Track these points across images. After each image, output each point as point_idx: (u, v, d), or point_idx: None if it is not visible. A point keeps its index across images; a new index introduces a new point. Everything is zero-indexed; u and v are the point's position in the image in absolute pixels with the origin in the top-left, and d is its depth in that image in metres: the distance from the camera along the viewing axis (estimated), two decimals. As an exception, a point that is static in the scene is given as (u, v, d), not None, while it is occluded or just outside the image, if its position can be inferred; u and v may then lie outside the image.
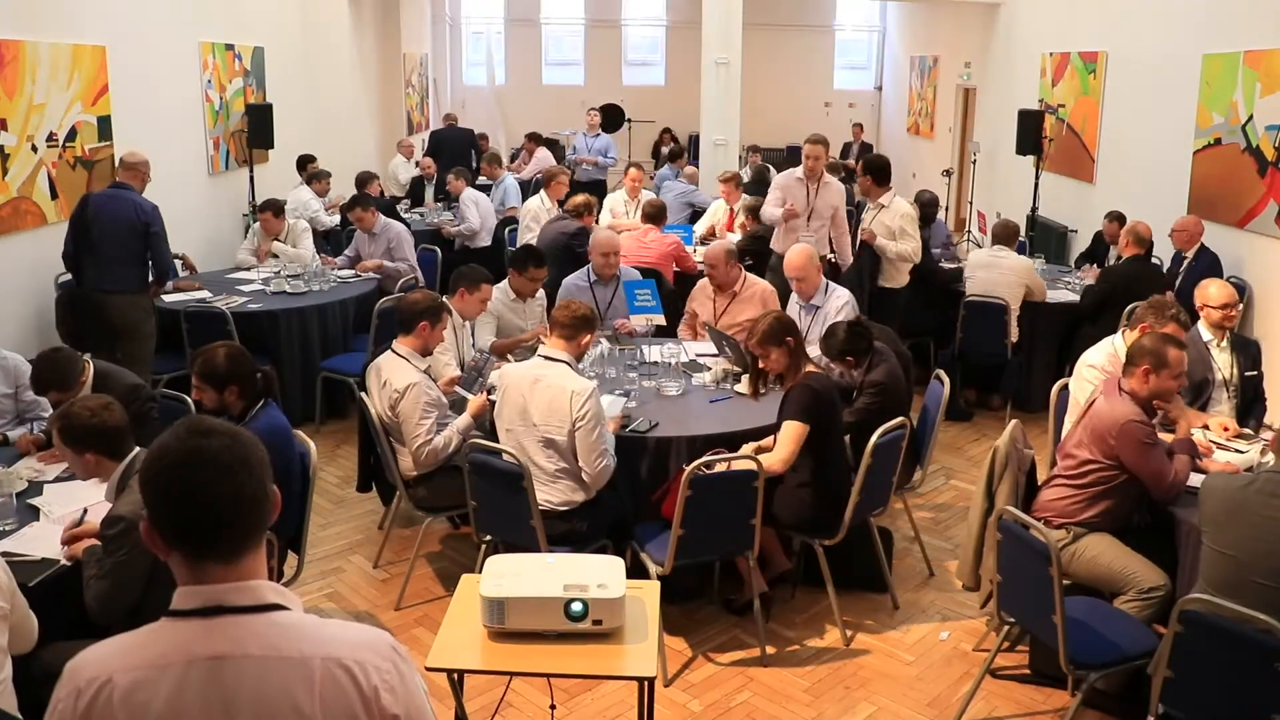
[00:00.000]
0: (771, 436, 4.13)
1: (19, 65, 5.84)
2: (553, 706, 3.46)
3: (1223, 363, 4.59)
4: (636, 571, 3.71)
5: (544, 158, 12.04)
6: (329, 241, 8.76)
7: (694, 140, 14.62)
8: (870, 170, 6.87)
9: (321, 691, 1.45)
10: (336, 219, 9.04)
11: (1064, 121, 9.99)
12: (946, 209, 11.97)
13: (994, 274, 6.63)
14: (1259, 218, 6.73)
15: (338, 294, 6.64)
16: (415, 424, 4.29)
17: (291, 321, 6.25)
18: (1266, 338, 6.16)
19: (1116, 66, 8.96)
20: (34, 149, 6.04)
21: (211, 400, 3.70)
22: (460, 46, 18.90)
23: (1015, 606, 3.51)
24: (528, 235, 7.96)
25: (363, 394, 4.50)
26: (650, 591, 2.92)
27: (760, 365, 4.25)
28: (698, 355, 5.30)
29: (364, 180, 9.03)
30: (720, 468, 3.87)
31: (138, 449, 3.21)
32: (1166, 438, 3.93)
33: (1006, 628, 3.67)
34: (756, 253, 7.41)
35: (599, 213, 8.20)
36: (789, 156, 17.51)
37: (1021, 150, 9.57)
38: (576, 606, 2.67)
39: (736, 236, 8.01)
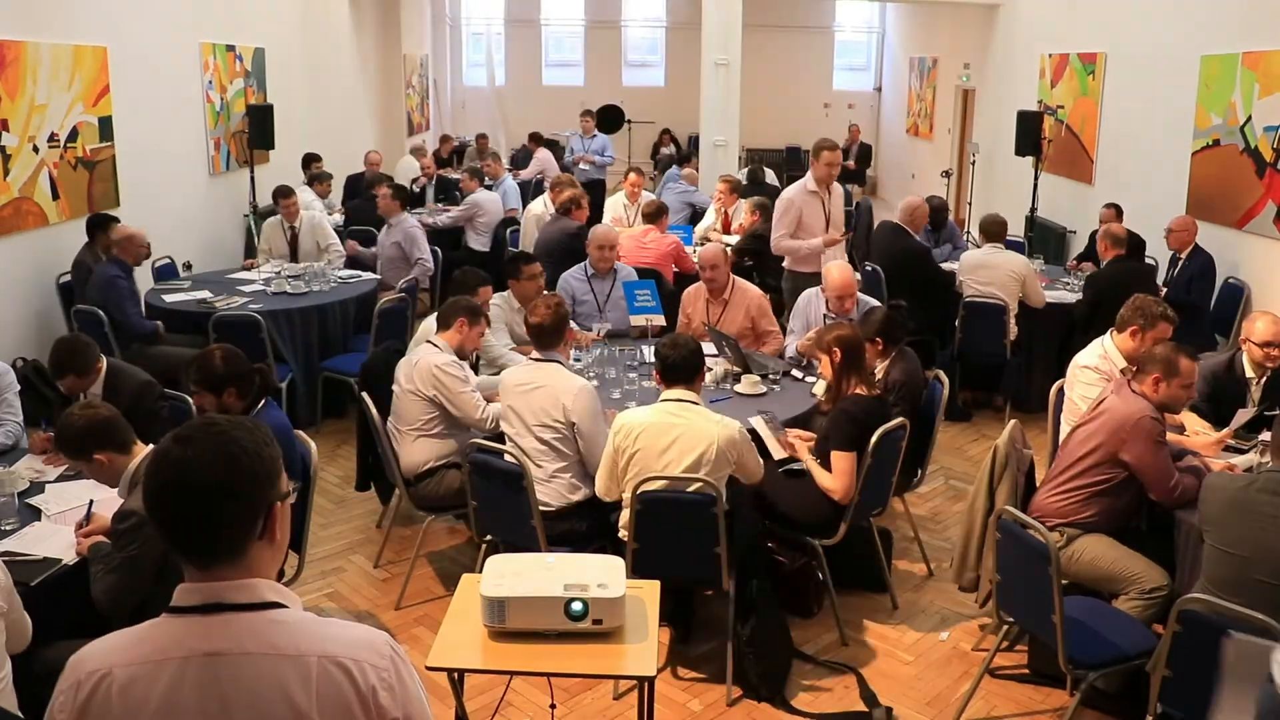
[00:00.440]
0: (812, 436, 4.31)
1: (20, 66, 5.85)
2: (553, 706, 3.46)
3: (1256, 398, 4.43)
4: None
5: (544, 159, 12.06)
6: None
7: (694, 141, 14.64)
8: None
9: (318, 689, 1.46)
10: (340, 218, 9.07)
11: (1063, 122, 10.00)
12: (945, 210, 11.96)
13: (989, 273, 6.59)
14: (1257, 218, 6.74)
15: (338, 294, 6.65)
16: (467, 396, 4.33)
17: (292, 321, 6.26)
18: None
19: (1115, 67, 8.97)
20: (35, 149, 6.05)
21: (210, 403, 3.71)
22: (460, 47, 18.92)
23: (1014, 606, 3.52)
24: (529, 238, 7.98)
25: (363, 394, 4.51)
26: (650, 591, 2.93)
27: (821, 358, 4.33)
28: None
29: (373, 182, 9.12)
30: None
31: (150, 446, 3.22)
32: (1177, 439, 3.95)
33: (1005, 627, 3.68)
34: (757, 253, 7.42)
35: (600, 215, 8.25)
36: (788, 157, 17.55)
37: (1020, 151, 9.58)
38: (577, 606, 2.67)
39: (732, 239, 8.03)
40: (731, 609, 3.80)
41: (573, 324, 5.24)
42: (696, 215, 9.34)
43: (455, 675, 2.87)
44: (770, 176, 11.03)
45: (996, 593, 3.58)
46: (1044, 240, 9.52)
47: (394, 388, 4.49)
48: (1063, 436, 4.17)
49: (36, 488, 3.77)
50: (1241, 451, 4.03)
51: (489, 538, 4.16)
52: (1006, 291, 6.53)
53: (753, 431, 4.14)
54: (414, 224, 7.59)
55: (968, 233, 11.21)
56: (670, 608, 3.88)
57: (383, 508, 5.15)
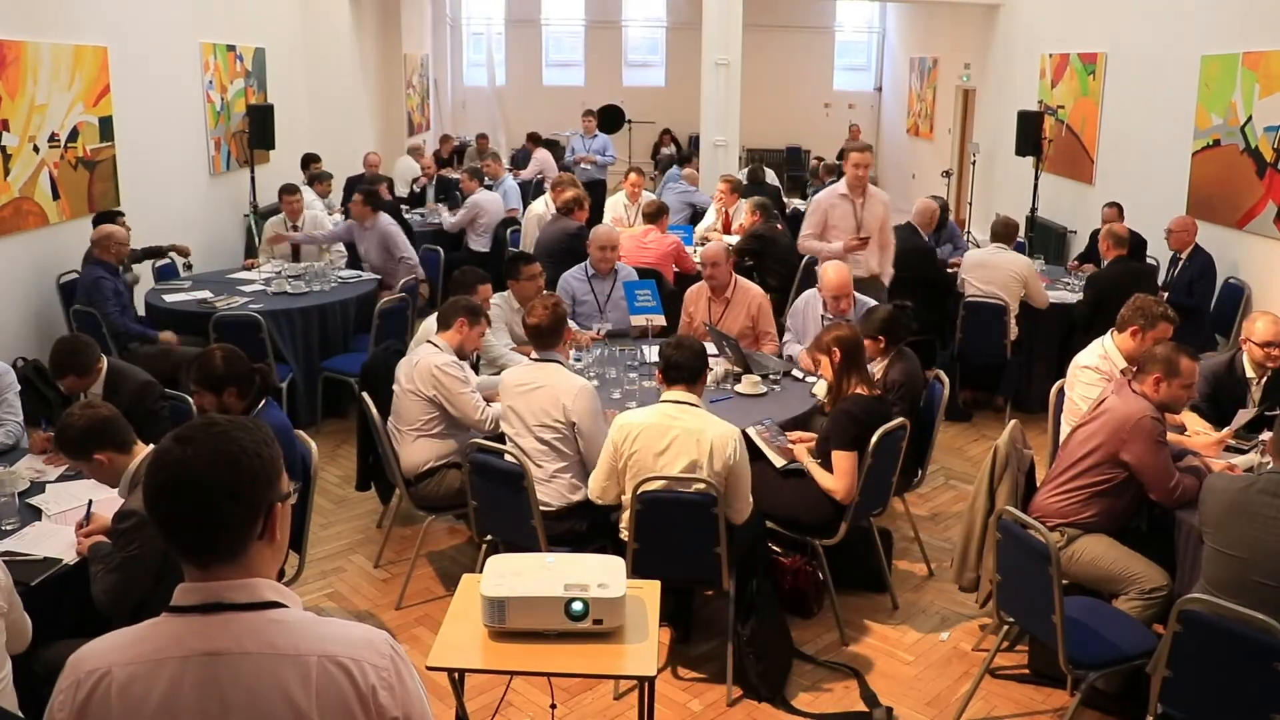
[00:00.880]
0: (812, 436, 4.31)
1: (20, 66, 5.85)
2: (553, 706, 3.46)
3: (1257, 398, 4.43)
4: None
5: (543, 159, 12.06)
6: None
7: (694, 141, 14.64)
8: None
9: (318, 689, 1.45)
10: (340, 218, 9.06)
11: (1063, 122, 10.00)
12: (946, 210, 11.96)
13: (990, 273, 6.59)
14: (1258, 218, 6.74)
15: (338, 294, 6.65)
16: (467, 396, 4.32)
17: (293, 321, 6.26)
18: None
19: (1116, 68, 8.97)
20: (36, 149, 6.05)
21: (211, 404, 3.71)
22: (461, 47, 18.92)
23: (1014, 606, 3.51)
24: (530, 238, 7.98)
25: (363, 394, 4.51)
26: (650, 591, 2.93)
27: (818, 359, 4.33)
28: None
29: (373, 183, 9.11)
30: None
31: (151, 446, 3.22)
32: (1178, 440, 3.95)
33: (1006, 628, 3.68)
34: (757, 252, 7.42)
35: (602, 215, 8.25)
36: (789, 157, 17.55)
37: (1021, 151, 9.59)
38: (577, 606, 2.67)
39: (733, 239, 8.03)
40: (731, 609, 3.80)
41: (573, 324, 5.25)
42: (697, 215, 9.34)
43: (455, 675, 2.88)
44: (770, 176, 11.03)
45: (997, 593, 3.58)
46: (1044, 240, 9.52)
47: (394, 388, 4.49)
48: (1063, 437, 4.17)
49: (37, 488, 3.77)
50: (1242, 452, 4.03)
51: (489, 538, 4.16)
52: (1007, 291, 6.54)
53: (749, 441, 4.09)
54: (388, 223, 7.40)
55: (968, 233, 11.22)
56: (670, 608, 3.89)
57: (383, 508, 5.15)
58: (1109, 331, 4.49)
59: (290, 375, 6.14)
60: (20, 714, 2.63)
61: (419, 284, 7.45)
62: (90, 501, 3.46)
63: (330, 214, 9.16)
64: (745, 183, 9.72)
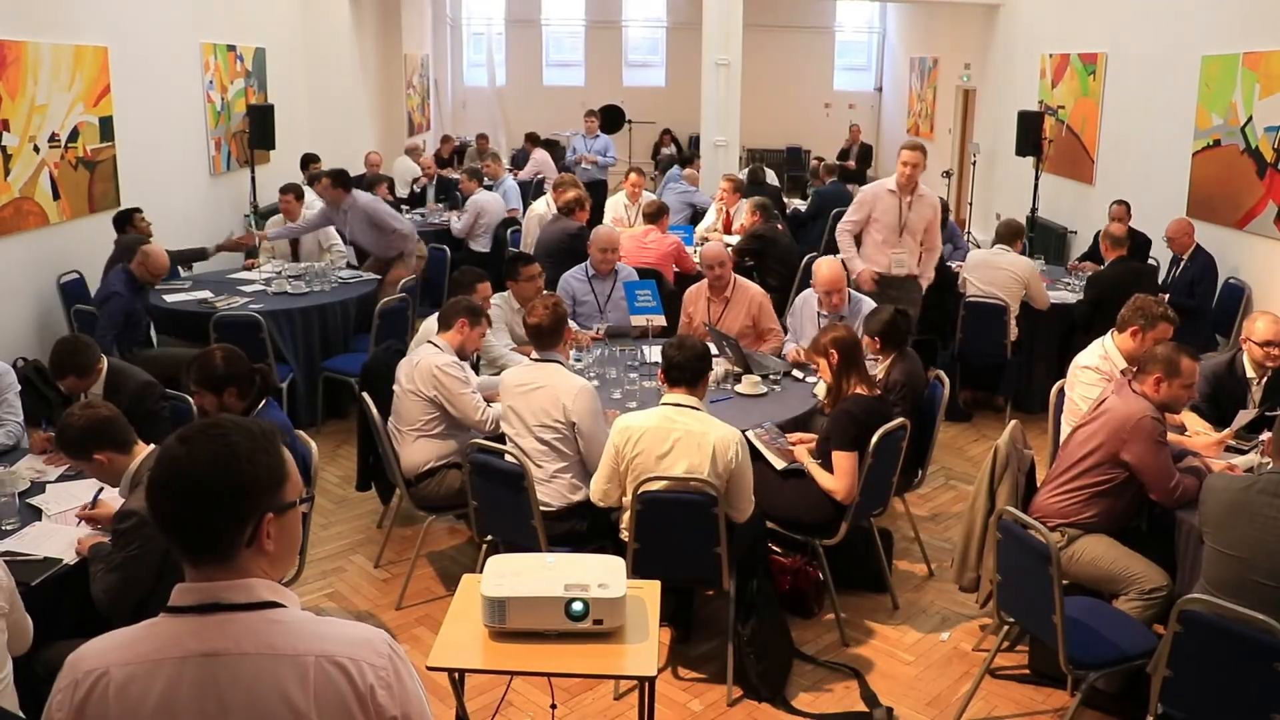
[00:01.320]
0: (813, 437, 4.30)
1: (21, 66, 5.85)
2: (553, 706, 3.46)
3: (1257, 398, 4.42)
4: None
5: (542, 159, 12.06)
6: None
7: (694, 141, 14.64)
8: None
9: (316, 689, 1.45)
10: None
11: (1063, 123, 10.00)
12: (946, 210, 11.97)
13: (992, 273, 6.59)
14: (1258, 219, 6.74)
15: (338, 294, 6.64)
16: (467, 397, 4.32)
17: (293, 321, 6.26)
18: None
19: (1116, 68, 8.97)
20: (36, 150, 6.05)
21: (211, 404, 3.70)
22: (461, 47, 18.92)
23: (1015, 606, 3.51)
24: (531, 238, 7.98)
25: (364, 394, 4.51)
26: (651, 591, 2.93)
27: (817, 361, 4.33)
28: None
29: (373, 183, 9.10)
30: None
31: (152, 446, 3.22)
32: (1178, 440, 3.94)
33: (1006, 628, 3.68)
34: (757, 252, 7.42)
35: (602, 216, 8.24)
36: (789, 157, 17.54)
37: (1021, 151, 9.59)
38: (577, 606, 2.67)
39: (733, 239, 8.03)
40: (731, 609, 3.80)
41: (573, 324, 5.25)
42: (697, 215, 9.33)
43: (456, 675, 2.87)
44: (771, 176, 11.04)
45: (997, 593, 3.58)
46: (1044, 240, 9.52)
47: (394, 388, 4.49)
48: (1063, 437, 4.17)
49: (37, 488, 3.77)
50: (1242, 452, 4.03)
51: (489, 538, 4.16)
52: (1008, 292, 6.54)
53: (750, 443, 4.09)
54: (367, 200, 7.34)
55: (968, 233, 11.22)
56: (670, 608, 3.89)
57: (383, 508, 5.15)
58: (1109, 332, 4.49)
59: (290, 375, 6.14)
60: (20, 714, 2.63)
61: (416, 260, 7.45)
62: (100, 488, 3.46)
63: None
64: (745, 183, 9.72)
